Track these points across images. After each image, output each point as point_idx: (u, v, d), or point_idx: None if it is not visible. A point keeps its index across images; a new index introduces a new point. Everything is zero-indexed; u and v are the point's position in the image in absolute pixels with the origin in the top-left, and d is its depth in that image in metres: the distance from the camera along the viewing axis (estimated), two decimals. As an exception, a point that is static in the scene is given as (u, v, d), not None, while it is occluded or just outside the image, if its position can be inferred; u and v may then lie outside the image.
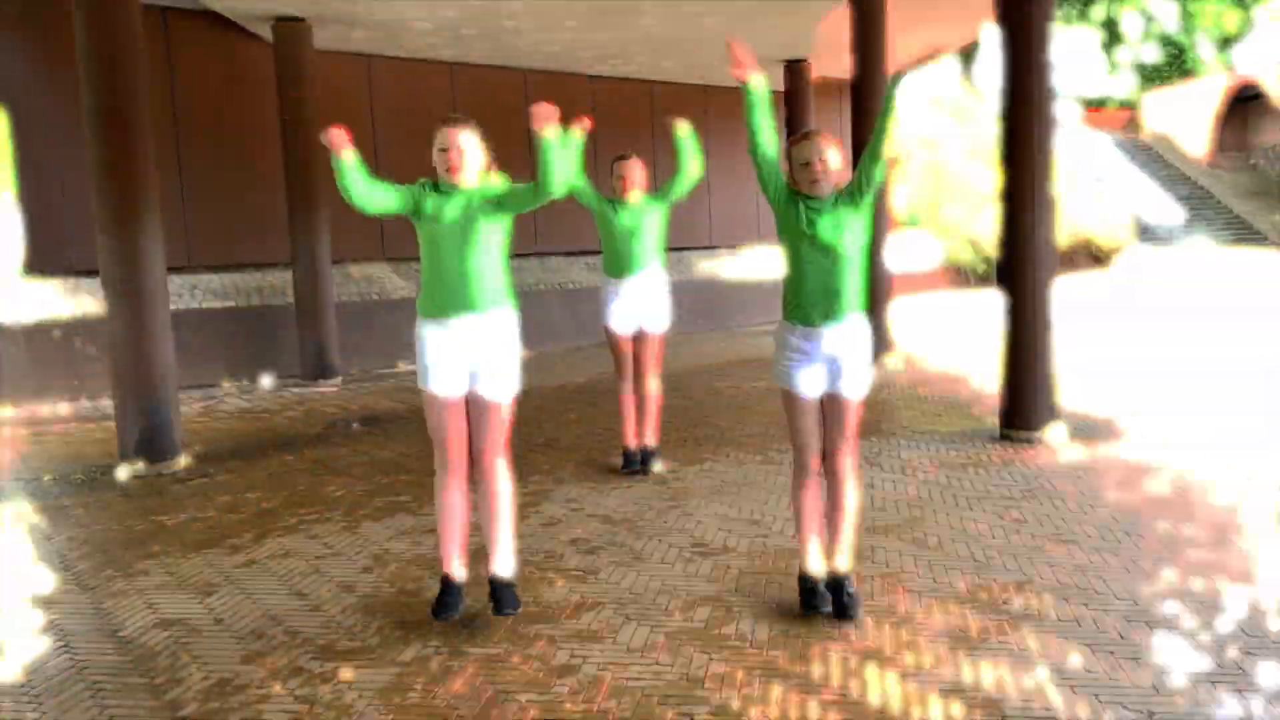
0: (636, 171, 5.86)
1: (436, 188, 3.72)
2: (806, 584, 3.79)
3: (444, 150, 3.68)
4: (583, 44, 12.11)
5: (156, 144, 6.98)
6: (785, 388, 3.71)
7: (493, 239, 3.71)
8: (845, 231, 3.54)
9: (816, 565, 3.78)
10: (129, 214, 6.50)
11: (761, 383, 9.38)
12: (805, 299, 3.60)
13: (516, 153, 13.82)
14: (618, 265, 5.85)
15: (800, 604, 3.79)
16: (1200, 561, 4.15)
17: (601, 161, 14.03)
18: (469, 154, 3.68)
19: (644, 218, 5.83)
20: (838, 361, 3.63)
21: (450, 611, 3.74)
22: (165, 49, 10.57)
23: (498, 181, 3.76)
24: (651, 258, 5.85)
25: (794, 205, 3.58)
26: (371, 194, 3.63)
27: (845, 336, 3.61)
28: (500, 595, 3.80)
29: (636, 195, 5.85)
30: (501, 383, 3.73)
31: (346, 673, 3.40)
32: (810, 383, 3.66)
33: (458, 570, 3.82)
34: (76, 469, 6.78)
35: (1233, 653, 3.29)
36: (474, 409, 3.76)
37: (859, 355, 3.65)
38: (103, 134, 6.46)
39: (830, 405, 3.70)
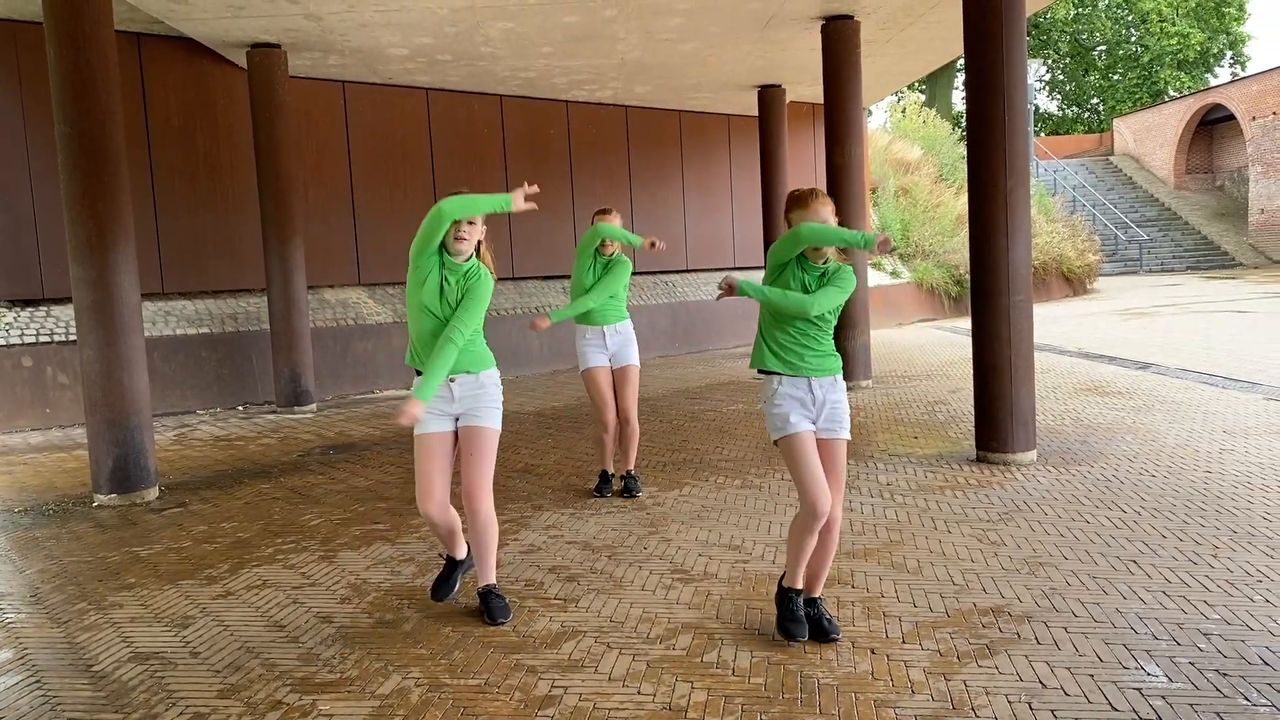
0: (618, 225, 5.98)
1: (441, 258, 3.98)
2: (793, 602, 3.76)
3: (457, 222, 3.89)
4: (558, 70, 12.17)
5: (130, 170, 6.93)
6: (786, 435, 3.64)
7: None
8: (833, 298, 3.62)
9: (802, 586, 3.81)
10: (102, 241, 6.45)
11: (740, 406, 9.41)
12: (788, 350, 3.66)
13: (493, 176, 13.94)
14: (593, 315, 6.01)
15: (785, 627, 3.73)
16: (1178, 583, 4.19)
17: (578, 186, 14.13)
18: (478, 229, 3.95)
19: (616, 270, 6.00)
20: (825, 406, 3.69)
21: (451, 589, 4.23)
22: (139, 75, 10.53)
23: (488, 263, 4.08)
24: (623, 308, 6.11)
25: (791, 267, 3.64)
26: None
27: (828, 386, 3.70)
28: (494, 605, 4.09)
29: (612, 250, 6.02)
30: (486, 415, 4.04)
31: (326, 705, 3.37)
32: (808, 422, 3.67)
33: (460, 552, 4.26)
34: (48, 499, 6.69)
35: (1212, 675, 3.32)
36: (463, 443, 4.03)
37: (843, 403, 3.73)
38: (76, 161, 6.41)
39: (822, 450, 3.70)
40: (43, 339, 9.73)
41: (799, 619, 3.73)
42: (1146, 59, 40.53)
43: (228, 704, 3.41)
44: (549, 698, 3.36)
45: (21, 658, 3.90)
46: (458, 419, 4.06)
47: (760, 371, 3.75)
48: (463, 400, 4.02)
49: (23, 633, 4.18)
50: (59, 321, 9.94)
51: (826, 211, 3.61)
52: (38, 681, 3.67)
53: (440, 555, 4.55)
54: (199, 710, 3.37)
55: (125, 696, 3.50)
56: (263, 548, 5.34)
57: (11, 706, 3.46)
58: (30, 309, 9.99)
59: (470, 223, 3.89)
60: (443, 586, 4.24)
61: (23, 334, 9.69)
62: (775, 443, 3.72)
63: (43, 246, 10.00)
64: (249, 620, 4.23)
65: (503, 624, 4.05)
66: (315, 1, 8.81)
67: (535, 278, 13.93)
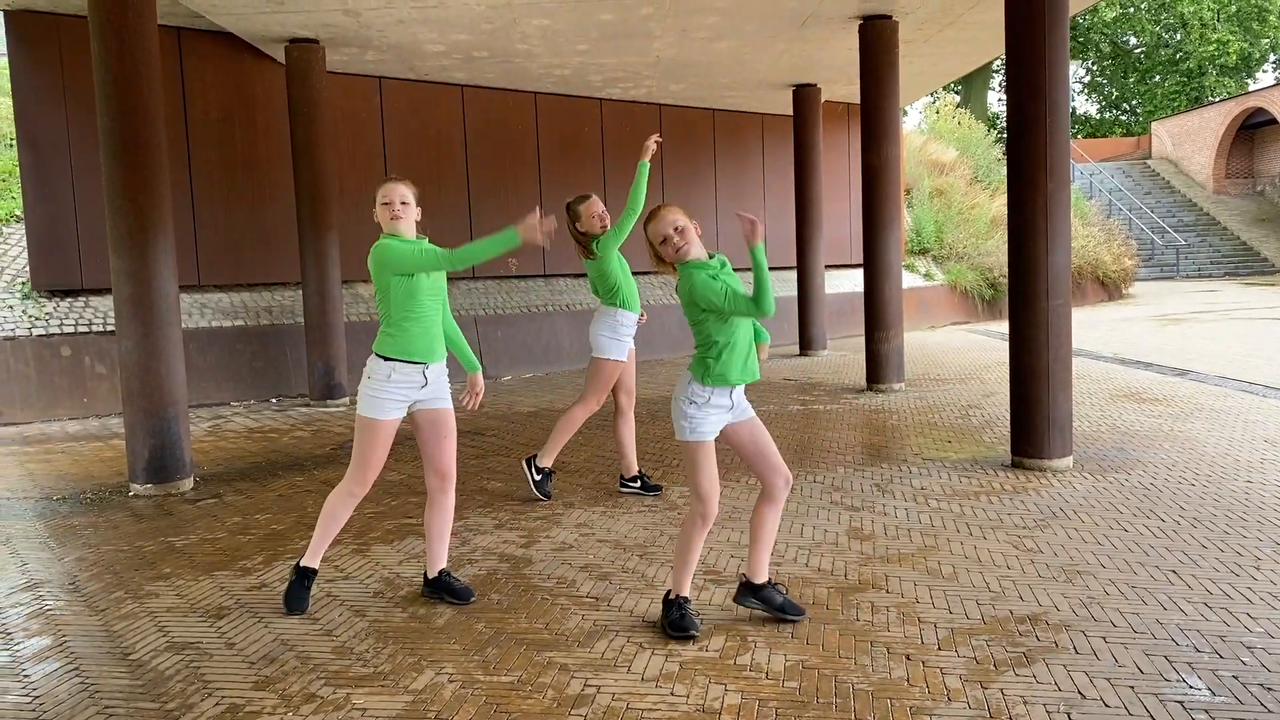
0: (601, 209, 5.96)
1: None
2: (684, 608, 3.85)
3: (387, 203, 4.11)
4: (593, 68, 12.17)
5: (169, 163, 6.99)
6: (700, 440, 3.74)
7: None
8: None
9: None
10: (142, 235, 6.52)
11: (771, 406, 9.36)
12: (738, 360, 3.74)
13: (525, 174, 13.96)
14: (631, 300, 6.00)
15: (678, 627, 3.80)
16: (1220, 595, 4.12)
17: (611, 184, 14.12)
18: (410, 206, 4.16)
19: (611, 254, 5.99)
20: (738, 405, 3.84)
21: (308, 601, 4.27)
22: (179, 69, 10.63)
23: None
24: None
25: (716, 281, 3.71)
26: None
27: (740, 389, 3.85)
28: (459, 586, 4.32)
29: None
30: (449, 396, 4.27)
31: (360, 700, 3.38)
32: (720, 427, 3.82)
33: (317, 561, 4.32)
34: (86, 488, 6.77)
35: (1256, 690, 3.26)
36: (430, 427, 4.21)
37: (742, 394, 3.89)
38: (118, 154, 6.48)
39: (751, 432, 3.86)
40: (81, 329, 9.85)
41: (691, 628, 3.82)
42: (1187, 64, 40.01)
43: (263, 696, 3.43)
44: (582, 696, 3.35)
45: (60, 645, 3.95)
46: (411, 406, 4.20)
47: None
48: (432, 385, 4.19)
49: (61, 620, 4.23)
50: (97, 312, 10.06)
51: (673, 216, 3.71)
52: (76, 669, 3.70)
53: (297, 566, 4.30)
54: (234, 701, 3.39)
55: (162, 686, 3.53)
56: (296, 540, 5.38)
57: (50, 694, 3.50)
58: (70, 299, 10.12)
59: (404, 203, 4.11)
60: (304, 598, 4.25)
61: (62, 324, 9.82)
62: (682, 441, 3.80)
63: (82, 238, 10.12)
64: (283, 612, 4.25)
65: (473, 601, 4.27)
66: (354, -3, 8.86)
67: (567, 275, 13.94)
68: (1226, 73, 39.86)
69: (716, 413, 3.76)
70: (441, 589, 4.33)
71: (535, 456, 6.11)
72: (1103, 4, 39.39)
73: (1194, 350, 12.61)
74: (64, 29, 9.97)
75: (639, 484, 6.13)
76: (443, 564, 4.38)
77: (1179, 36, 40.37)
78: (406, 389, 4.13)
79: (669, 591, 3.94)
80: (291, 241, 11.14)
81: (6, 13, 9.82)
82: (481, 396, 4.45)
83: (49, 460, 7.77)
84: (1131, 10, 40.58)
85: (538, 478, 6.06)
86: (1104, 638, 3.72)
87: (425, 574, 4.40)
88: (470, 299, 12.53)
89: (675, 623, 3.82)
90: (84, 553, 5.24)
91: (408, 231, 4.15)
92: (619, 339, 5.93)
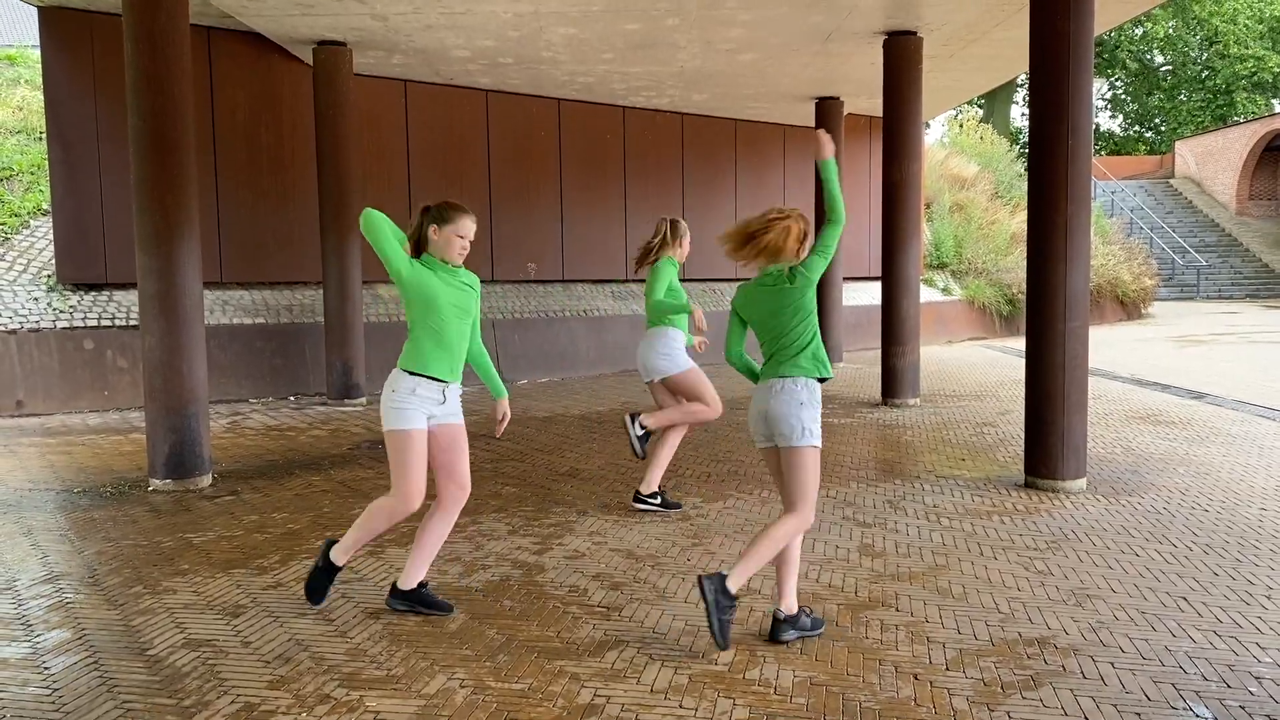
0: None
1: (429, 265, 4.19)
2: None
3: (462, 237, 4.19)
4: (617, 76, 12.23)
5: (196, 159, 7.07)
6: (759, 447, 3.99)
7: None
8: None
9: None
10: (168, 232, 6.60)
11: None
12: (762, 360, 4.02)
13: (546, 179, 14.02)
14: (679, 320, 6.02)
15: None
16: (1230, 624, 4.13)
17: (631, 191, 14.18)
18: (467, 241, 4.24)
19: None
20: (766, 416, 3.93)
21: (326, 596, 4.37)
22: (208, 68, 10.75)
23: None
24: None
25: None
26: (389, 228, 4.19)
27: (764, 392, 3.95)
28: (435, 600, 4.32)
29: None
30: (461, 413, 4.31)
31: (373, 702, 3.43)
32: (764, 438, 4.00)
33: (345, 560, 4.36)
34: (105, 481, 6.86)
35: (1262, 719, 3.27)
36: (451, 444, 4.22)
37: (781, 412, 3.88)
38: (146, 154, 6.57)
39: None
40: (105, 323, 9.96)
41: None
42: (1215, 81, 39.77)
43: (277, 695, 3.49)
44: (592, 706, 3.39)
45: (80, 638, 4.01)
46: (429, 418, 4.21)
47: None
48: (450, 403, 4.22)
49: (81, 613, 4.30)
50: (120, 306, 10.18)
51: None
52: (95, 663, 3.77)
53: (321, 564, 4.33)
54: (250, 700, 3.45)
55: (179, 682, 3.59)
56: (312, 540, 5.43)
57: (70, 686, 3.56)
58: (94, 293, 10.23)
59: (470, 241, 4.21)
60: (324, 592, 4.33)
61: (85, 317, 9.93)
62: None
63: (108, 233, 10.24)
64: (299, 612, 4.30)
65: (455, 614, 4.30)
66: (382, 2, 8.94)
67: (586, 281, 14.00)
68: (1258, 89, 39.53)
69: (753, 415, 3.98)
70: (417, 601, 4.28)
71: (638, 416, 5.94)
72: (1148, 21, 39.23)
73: (1212, 373, 12.56)
74: (97, 27, 10.10)
75: (659, 501, 6.04)
76: (423, 576, 4.32)
77: (1205, 55, 40.15)
78: (428, 403, 4.12)
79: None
80: (314, 241, 11.25)
81: (41, 10, 9.95)
82: (506, 423, 4.48)
83: (70, 452, 7.87)
84: (1156, 25, 40.40)
85: (639, 433, 5.85)
86: (1112, 663, 3.73)
87: (395, 584, 4.31)
88: (487, 302, 12.61)
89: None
90: (103, 546, 5.32)
91: (458, 261, 4.19)
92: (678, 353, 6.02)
